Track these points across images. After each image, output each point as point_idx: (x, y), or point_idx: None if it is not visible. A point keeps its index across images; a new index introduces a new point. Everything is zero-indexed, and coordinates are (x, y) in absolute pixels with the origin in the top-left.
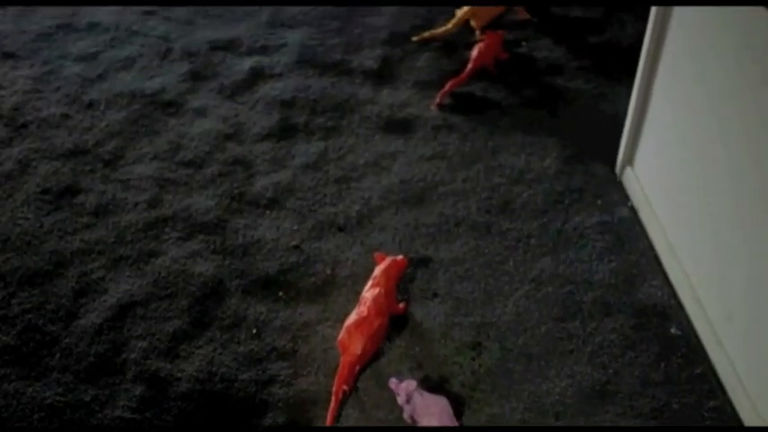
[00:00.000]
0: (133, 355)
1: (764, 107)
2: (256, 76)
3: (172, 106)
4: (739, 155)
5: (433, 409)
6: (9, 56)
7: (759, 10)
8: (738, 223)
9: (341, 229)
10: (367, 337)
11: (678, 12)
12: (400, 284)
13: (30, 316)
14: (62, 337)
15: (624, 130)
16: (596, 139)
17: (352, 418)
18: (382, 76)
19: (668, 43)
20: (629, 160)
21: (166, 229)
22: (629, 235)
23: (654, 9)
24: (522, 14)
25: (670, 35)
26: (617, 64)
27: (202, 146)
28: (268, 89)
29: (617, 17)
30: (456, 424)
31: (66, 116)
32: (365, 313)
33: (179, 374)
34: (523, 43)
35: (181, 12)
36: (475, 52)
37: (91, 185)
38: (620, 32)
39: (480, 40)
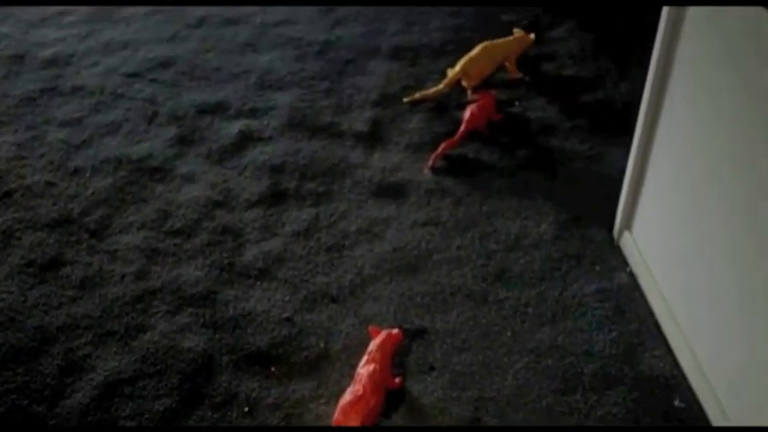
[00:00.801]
0: None
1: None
2: (245, 139)
3: (159, 172)
4: (741, 219)
5: None
6: None
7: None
8: (740, 290)
9: (334, 300)
10: (363, 416)
11: (678, 69)
12: (396, 358)
13: (13, 396)
14: (48, 418)
15: (622, 193)
16: (593, 202)
17: None
18: (373, 138)
19: (667, 104)
20: (627, 224)
21: (155, 302)
22: (628, 302)
23: (653, 65)
24: (513, 73)
25: (669, 94)
26: (612, 123)
27: (191, 214)
28: (257, 153)
29: (610, 75)
30: None
31: (50, 184)
32: (361, 392)
33: None
34: (516, 103)
35: (167, 74)
36: (467, 114)
37: (76, 257)
38: (614, 91)
39: (472, 101)
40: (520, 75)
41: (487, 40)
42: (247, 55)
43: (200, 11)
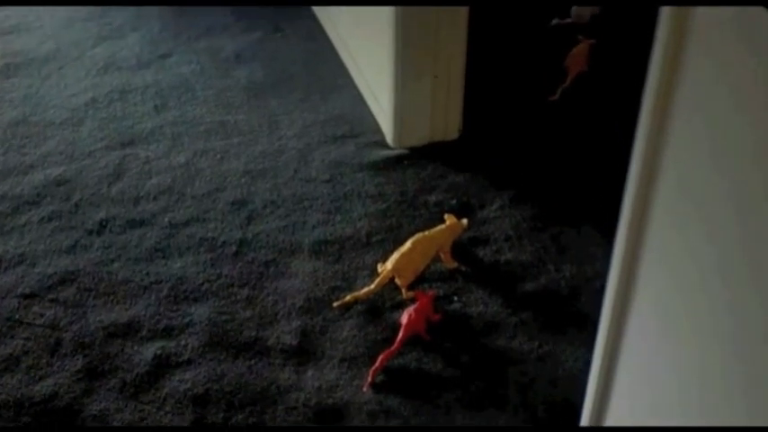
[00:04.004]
0: None
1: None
2: (161, 366)
3: (67, 415)
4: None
5: None
6: None
7: None
8: None
9: None
10: None
11: (650, 242)
12: None
13: None
14: None
15: (586, 401)
16: (551, 411)
17: None
18: (304, 353)
19: (639, 296)
20: None
21: None
22: None
23: (621, 242)
24: (449, 263)
25: (641, 279)
26: (560, 315)
27: None
28: (176, 382)
29: (550, 257)
30: None
31: None
32: None
33: None
34: (455, 298)
35: (69, 292)
36: (405, 319)
37: None
38: (557, 275)
39: (408, 299)
40: (455, 264)
41: (415, 224)
42: (157, 262)
43: (100, 213)
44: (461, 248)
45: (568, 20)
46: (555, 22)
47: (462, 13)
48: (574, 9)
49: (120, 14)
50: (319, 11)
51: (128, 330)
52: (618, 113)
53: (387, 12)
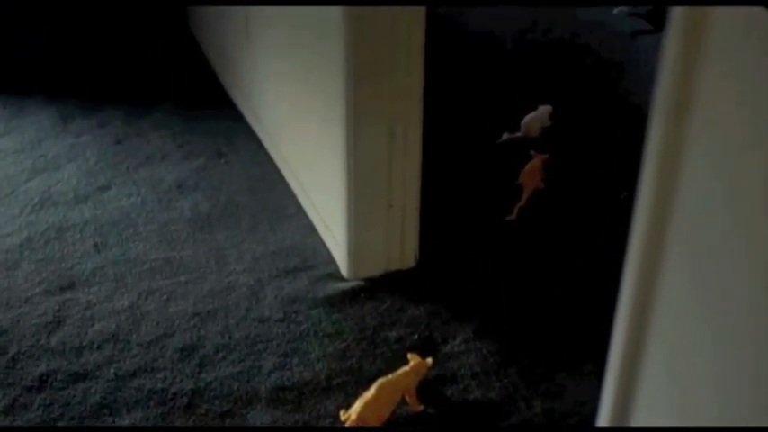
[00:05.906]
0: None
1: None
2: None
3: None
4: None
5: None
6: None
7: None
8: None
9: None
10: None
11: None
12: None
13: None
14: None
15: None
16: None
17: None
18: None
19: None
20: None
21: None
22: None
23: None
24: (415, 406)
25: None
26: None
27: None
28: None
29: (520, 393)
30: None
31: None
32: None
33: None
34: None
35: None
36: None
37: None
38: (529, 413)
39: None
40: (422, 407)
41: (377, 363)
42: (103, 420)
43: (40, 367)
44: (427, 388)
45: (518, 134)
46: (505, 137)
47: (415, 139)
48: (523, 123)
49: (54, 145)
50: (263, 134)
51: None
52: (577, 231)
53: (337, 139)
